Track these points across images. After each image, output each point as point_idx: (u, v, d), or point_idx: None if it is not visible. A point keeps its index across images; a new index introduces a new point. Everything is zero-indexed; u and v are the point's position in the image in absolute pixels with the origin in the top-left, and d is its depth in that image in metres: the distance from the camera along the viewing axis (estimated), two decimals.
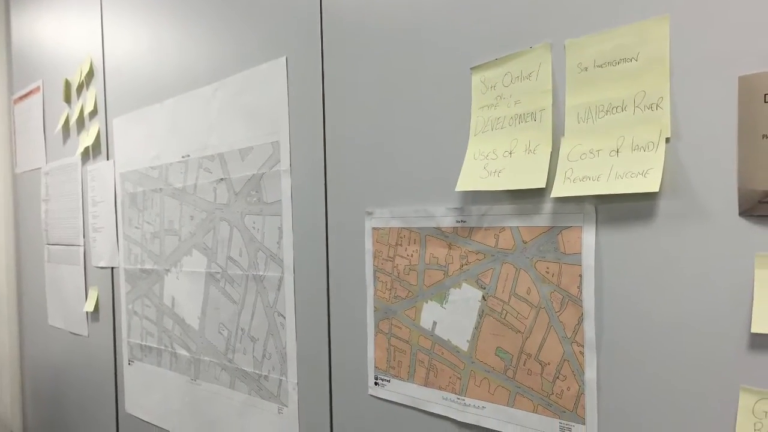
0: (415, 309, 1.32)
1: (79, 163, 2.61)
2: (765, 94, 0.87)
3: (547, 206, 1.09)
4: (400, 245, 1.34)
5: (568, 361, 1.08)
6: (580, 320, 1.06)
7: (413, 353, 1.33)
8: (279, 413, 1.66)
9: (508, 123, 1.15)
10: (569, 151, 1.05)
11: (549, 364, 1.10)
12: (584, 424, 1.06)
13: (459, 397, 1.25)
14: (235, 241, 1.76)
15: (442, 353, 1.27)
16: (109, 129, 2.38)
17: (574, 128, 1.05)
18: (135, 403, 2.32)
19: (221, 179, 1.79)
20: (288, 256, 1.60)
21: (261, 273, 1.69)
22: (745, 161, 0.89)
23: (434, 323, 1.28)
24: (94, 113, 2.48)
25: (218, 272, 1.84)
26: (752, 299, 0.88)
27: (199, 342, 1.94)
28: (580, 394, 1.06)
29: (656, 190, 0.94)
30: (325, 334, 1.53)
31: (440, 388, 1.28)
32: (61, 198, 2.80)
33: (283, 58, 1.59)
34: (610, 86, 1.01)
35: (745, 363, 0.90)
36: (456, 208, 1.23)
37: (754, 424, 0.88)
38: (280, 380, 1.65)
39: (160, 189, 2.07)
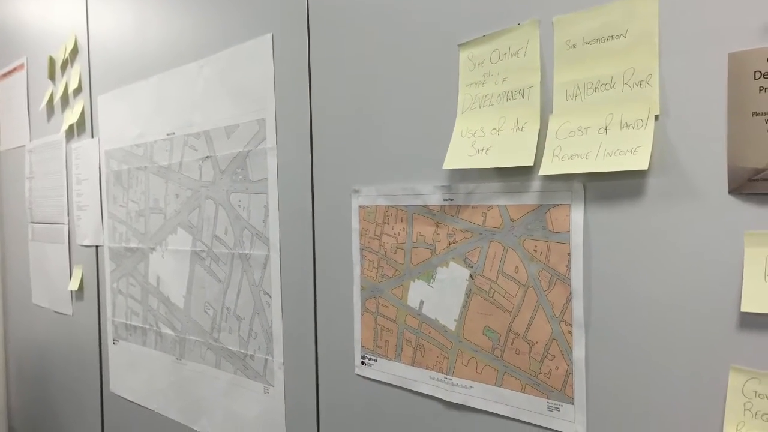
0: (402, 288, 1.31)
1: (64, 140, 2.59)
2: (755, 71, 0.86)
3: (535, 184, 1.09)
4: (387, 223, 1.33)
5: (557, 340, 1.07)
6: (569, 299, 1.05)
7: (400, 332, 1.32)
8: (265, 393, 1.66)
9: (496, 100, 1.14)
10: (557, 128, 1.04)
11: (537, 343, 1.10)
12: (573, 403, 1.06)
13: (446, 376, 1.24)
14: (221, 219, 1.75)
15: (430, 332, 1.27)
16: (94, 106, 2.36)
17: (563, 105, 1.04)
18: (120, 383, 2.32)
19: (207, 157, 1.78)
20: (274, 235, 1.59)
21: (247, 251, 1.67)
22: (735, 139, 0.88)
23: (421, 302, 1.28)
24: (78, 90, 2.46)
25: (204, 251, 1.82)
26: (742, 278, 0.88)
27: (185, 321, 1.94)
28: (568, 374, 1.06)
29: (645, 167, 0.93)
30: (312, 314, 1.52)
31: (427, 368, 1.28)
32: (46, 176, 2.78)
33: (269, 35, 1.57)
34: (599, 63, 1.00)
35: (734, 342, 0.89)
36: (443, 186, 1.22)
37: (744, 403, 0.88)
38: (266, 360, 1.65)
39: (145, 167, 2.05)
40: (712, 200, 0.90)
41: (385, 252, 1.34)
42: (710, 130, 0.90)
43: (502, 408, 1.16)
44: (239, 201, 1.68)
